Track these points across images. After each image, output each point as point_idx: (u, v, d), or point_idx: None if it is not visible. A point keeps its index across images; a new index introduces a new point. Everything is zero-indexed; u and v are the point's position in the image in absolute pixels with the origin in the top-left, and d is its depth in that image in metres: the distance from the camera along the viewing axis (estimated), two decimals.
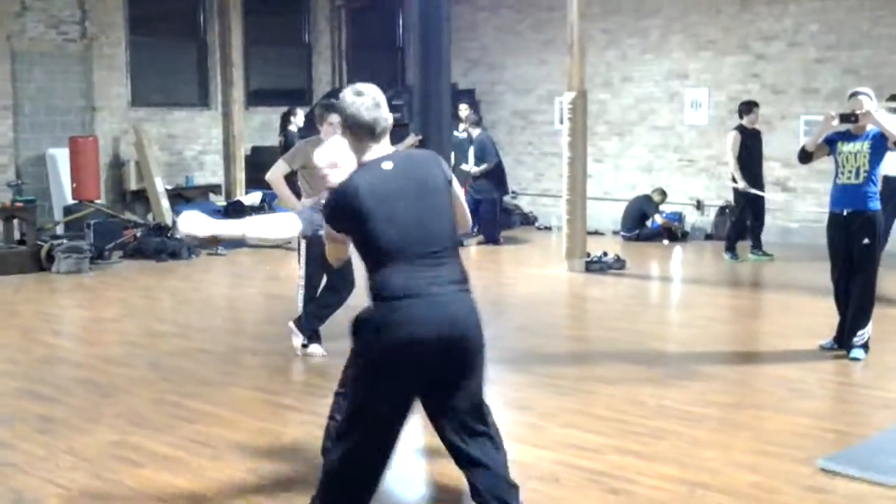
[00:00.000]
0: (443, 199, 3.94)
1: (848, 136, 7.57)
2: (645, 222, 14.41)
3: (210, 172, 15.72)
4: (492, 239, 14.11)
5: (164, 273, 11.90)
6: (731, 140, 12.27)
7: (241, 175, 15.52)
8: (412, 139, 8.26)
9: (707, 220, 14.61)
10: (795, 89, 13.94)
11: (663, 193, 14.55)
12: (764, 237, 14.04)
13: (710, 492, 4.83)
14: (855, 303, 7.48)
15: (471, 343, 3.86)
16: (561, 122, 15.81)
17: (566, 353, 7.95)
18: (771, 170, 14.15)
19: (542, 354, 7.71)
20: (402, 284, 3.75)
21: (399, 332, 3.72)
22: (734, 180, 12.27)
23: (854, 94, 7.64)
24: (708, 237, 14.34)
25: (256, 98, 16.32)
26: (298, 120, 13.96)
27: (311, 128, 14.28)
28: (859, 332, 7.44)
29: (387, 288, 3.77)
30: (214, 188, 15.54)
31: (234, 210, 14.24)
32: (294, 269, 12.54)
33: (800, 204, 13.99)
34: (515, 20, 16.91)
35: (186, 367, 7.45)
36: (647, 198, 14.55)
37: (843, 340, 7.62)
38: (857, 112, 7.46)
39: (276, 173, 7.72)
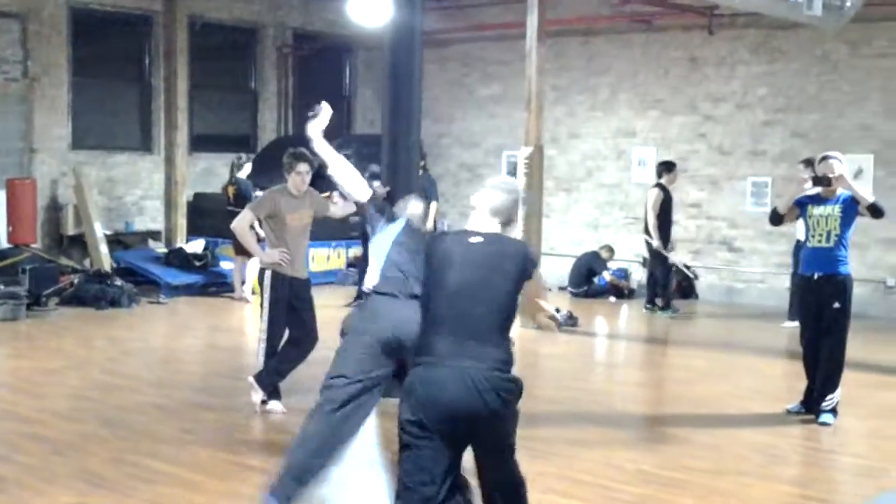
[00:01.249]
0: (501, 289, 4.15)
1: (818, 200, 7.58)
2: (593, 279, 14.37)
3: (150, 218, 15.33)
4: None
5: (105, 321, 11.49)
6: (653, 198, 12.62)
7: (182, 221, 15.20)
8: (380, 191, 8.06)
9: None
10: (743, 151, 14.10)
11: (611, 250, 14.56)
12: (710, 296, 14.21)
13: None
14: (824, 367, 7.45)
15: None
16: (509, 175, 15.88)
17: (533, 413, 7.67)
18: (717, 230, 14.32)
19: None
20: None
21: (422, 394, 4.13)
22: (649, 235, 12.56)
23: (825, 158, 7.68)
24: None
25: (200, 144, 16.00)
26: (247, 167, 13.70)
27: (260, 175, 14.12)
28: (828, 397, 7.40)
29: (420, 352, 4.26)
30: (155, 234, 15.16)
31: (176, 258, 13.93)
32: (238, 320, 12.30)
33: (746, 264, 14.09)
34: (463, 73, 16.91)
35: (140, 423, 7.12)
36: (595, 254, 14.55)
37: (810, 405, 7.58)
38: (831, 175, 7.49)
39: (242, 223, 7.48)
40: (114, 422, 7.10)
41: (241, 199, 13.15)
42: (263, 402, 7.47)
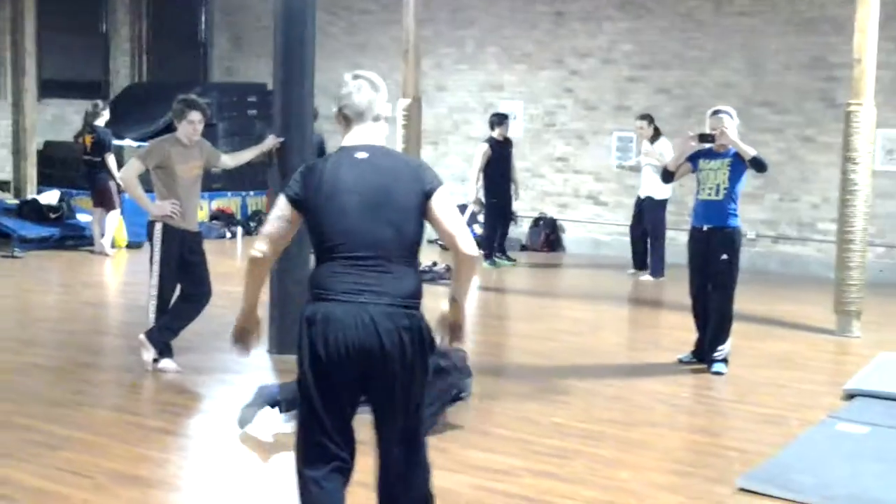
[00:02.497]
0: (404, 208, 3.64)
1: (710, 154, 7.71)
2: None
3: None
4: None
5: None
6: (480, 153, 12.82)
7: (32, 171, 14.46)
8: (272, 141, 7.80)
9: (521, 231, 14.73)
10: (608, 106, 14.29)
11: (481, 203, 14.55)
12: (576, 249, 14.45)
13: None
14: (714, 318, 7.61)
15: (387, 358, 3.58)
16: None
17: None
18: (583, 183, 14.53)
19: None
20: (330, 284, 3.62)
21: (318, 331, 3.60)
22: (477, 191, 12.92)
23: (715, 112, 7.80)
24: (523, 248, 14.48)
25: (49, 89, 15.17)
26: (105, 115, 13.01)
27: (115, 122, 13.51)
28: (720, 348, 7.58)
29: (317, 285, 3.65)
30: (3, 185, 14.34)
31: (30, 209, 13.22)
32: (103, 274, 11.78)
33: (610, 216, 14.35)
34: (327, 21, 16.50)
35: (25, 384, 6.72)
36: (464, 207, 14.53)
37: (702, 354, 7.77)
38: (714, 132, 7.64)
39: (129, 172, 7.09)
40: None
41: (99, 147, 12.57)
42: (155, 361, 7.15)
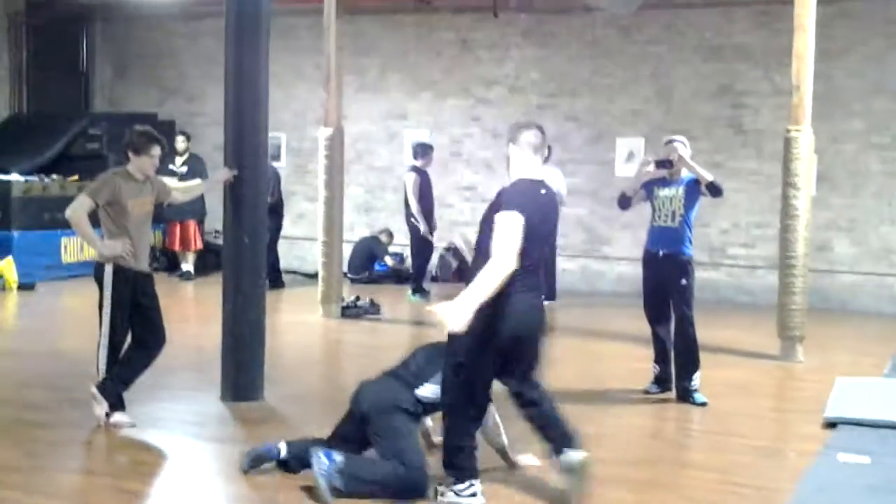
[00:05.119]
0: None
1: (664, 182, 7.77)
2: (373, 264, 14.05)
3: None
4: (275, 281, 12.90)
5: None
6: (411, 182, 12.51)
7: None
8: (226, 174, 7.36)
9: (430, 262, 14.44)
10: None
11: (391, 235, 14.28)
12: None
13: None
14: (683, 344, 7.58)
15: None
16: (276, 157, 15.29)
17: None
18: None
19: None
20: None
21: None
22: (416, 221, 12.48)
23: (669, 142, 7.87)
24: (434, 279, 14.20)
25: None
26: None
27: None
28: (695, 375, 7.54)
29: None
30: None
31: None
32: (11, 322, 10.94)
33: None
34: (218, 49, 15.86)
35: None
36: (374, 239, 14.22)
37: (666, 383, 7.69)
38: (671, 158, 7.66)
39: (78, 211, 6.52)
40: None
41: None
42: (107, 415, 6.59)
